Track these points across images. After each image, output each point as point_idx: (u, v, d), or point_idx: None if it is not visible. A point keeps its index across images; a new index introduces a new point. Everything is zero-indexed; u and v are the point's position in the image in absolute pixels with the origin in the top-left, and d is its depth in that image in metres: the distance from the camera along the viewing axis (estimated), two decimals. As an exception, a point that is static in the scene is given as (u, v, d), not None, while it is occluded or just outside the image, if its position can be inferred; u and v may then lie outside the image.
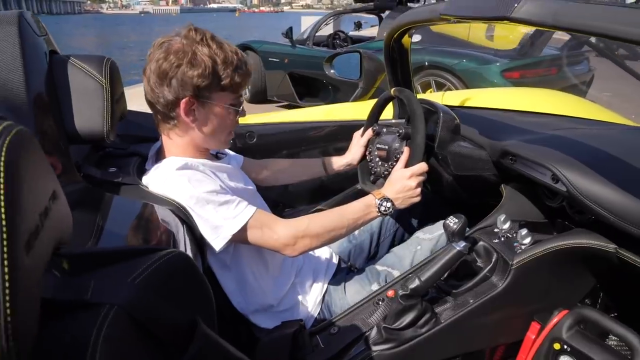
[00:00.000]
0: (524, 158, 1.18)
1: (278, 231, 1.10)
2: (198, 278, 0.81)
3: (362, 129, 1.54)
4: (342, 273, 1.39)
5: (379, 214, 1.20)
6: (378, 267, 1.35)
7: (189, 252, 1.01)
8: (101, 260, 0.62)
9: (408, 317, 1.06)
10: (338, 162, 1.56)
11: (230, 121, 1.15)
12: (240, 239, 1.08)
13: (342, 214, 1.17)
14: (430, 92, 4.21)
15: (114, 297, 0.54)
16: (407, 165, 1.26)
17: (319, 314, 1.29)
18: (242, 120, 1.75)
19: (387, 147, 1.38)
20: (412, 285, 1.03)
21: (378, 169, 1.43)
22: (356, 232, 1.55)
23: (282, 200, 1.86)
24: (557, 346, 1.11)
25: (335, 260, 1.42)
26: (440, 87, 4.18)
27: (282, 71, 5.46)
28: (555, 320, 1.13)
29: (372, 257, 1.52)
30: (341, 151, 1.84)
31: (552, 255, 1.11)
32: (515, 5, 0.82)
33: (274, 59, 5.55)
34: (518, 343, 1.22)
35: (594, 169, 1.03)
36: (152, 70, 1.06)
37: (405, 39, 1.48)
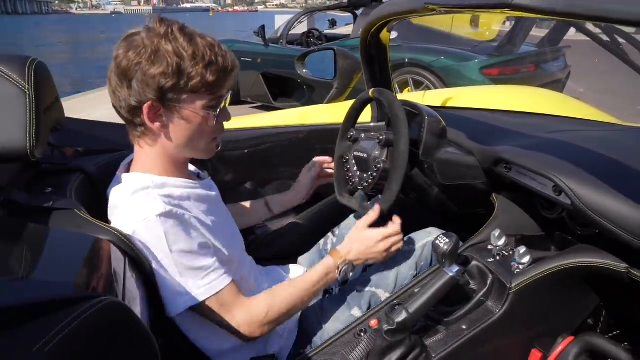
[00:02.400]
0: (521, 166, 1.05)
1: (236, 317, 0.98)
2: (137, 331, 0.65)
3: (311, 165, 1.43)
4: (318, 297, 1.24)
5: (339, 277, 1.10)
6: (359, 288, 1.20)
7: (135, 292, 0.85)
8: None
9: (395, 355, 0.92)
10: (281, 202, 1.44)
11: (210, 127, 0.97)
12: (194, 310, 0.96)
13: (303, 289, 1.06)
14: (408, 90, 4.11)
15: None
16: (384, 198, 1.14)
17: (295, 344, 1.14)
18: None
19: (366, 156, 1.23)
20: (399, 319, 0.89)
21: (356, 180, 1.28)
22: (328, 247, 1.41)
23: None
24: (562, 378, 0.99)
25: None
26: (418, 85, 4.07)
27: (255, 71, 5.28)
28: (559, 349, 1.02)
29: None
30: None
31: (554, 275, 0.98)
32: None
33: (247, 59, 5.36)
34: None
35: (601, 178, 0.91)
36: (112, 70, 0.91)
37: (384, 34, 1.34)
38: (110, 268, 0.81)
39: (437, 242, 0.96)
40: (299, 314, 1.18)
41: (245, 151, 1.61)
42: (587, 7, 0.61)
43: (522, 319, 1.03)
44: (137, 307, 0.83)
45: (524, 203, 1.19)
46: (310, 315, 1.18)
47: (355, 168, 1.29)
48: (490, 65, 3.80)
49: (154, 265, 0.91)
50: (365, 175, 1.23)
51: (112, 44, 0.96)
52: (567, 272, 0.98)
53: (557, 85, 4.21)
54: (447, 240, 0.94)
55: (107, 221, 0.98)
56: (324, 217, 1.59)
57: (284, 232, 1.59)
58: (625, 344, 1.08)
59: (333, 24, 6.68)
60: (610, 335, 1.14)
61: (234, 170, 1.64)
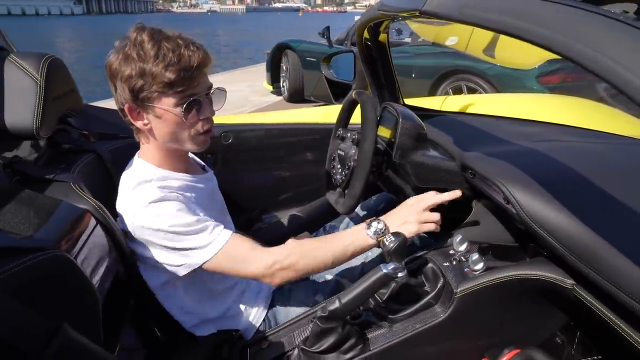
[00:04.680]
0: (479, 173, 1.05)
1: (255, 260, 1.02)
2: (77, 283, 0.77)
3: None
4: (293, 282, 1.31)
5: (371, 237, 1.06)
6: (327, 276, 1.26)
7: (99, 254, 0.98)
8: None
9: (328, 341, 0.96)
10: None
11: (188, 124, 1.02)
12: (210, 267, 1.02)
13: (328, 241, 1.07)
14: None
15: None
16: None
17: (263, 321, 1.23)
18: (217, 120, 1.71)
19: (343, 154, 1.28)
20: (331, 307, 0.94)
21: (337, 177, 1.33)
22: None
23: (259, 205, 1.80)
24: (503, 388, 0.98)
25: None
26: (472, 92, 3.94)
27: (319, 71, 5.39)
28: (504, 359, 1.00)
29: None
30: (323, 155, 1.76)
31: (504, 285, 0.98)
32: None
33: (311, 59, 5.50)
34: None
35: (552, 190, 0.89)
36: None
37: (382, 37, 1.38)
38: (81, 231, 0.95)
39: (384, 240, 0.99)
40: (270, 298, 1.25)
41: (255, 145, 1.72)
42: (475, 15, 0.63)
43: (469, 325, 1.03)
44: (100, 268, 0.96)
45: (499, 212, 1.17)
46: (279, 298, 1.26)
47: (338, 166, 1.34)
48: (549, 72, 3.56)
49: (149, 238, 1.00)
50: (342, 173, 1.28)
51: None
52: (518, 283, 0.97)
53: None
54: (393, 239, 0.97)
55: (113, 196, 1.10)
56: (322, 211, 1.66)
57: (286, 221, 1.68)
58: None
59: (399, 32, 6.66)
60: (589, 359, 1.09)
61: (249, 164, 1.75)
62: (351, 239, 1.07)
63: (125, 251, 1.05)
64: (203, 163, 1.30)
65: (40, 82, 1.07)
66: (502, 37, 3.72)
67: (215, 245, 1.01)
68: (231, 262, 1.02)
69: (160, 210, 1.00)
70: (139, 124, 1.03)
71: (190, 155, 1.27)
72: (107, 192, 1.15)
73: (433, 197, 1.11)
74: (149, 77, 0.96)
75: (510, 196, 0.92)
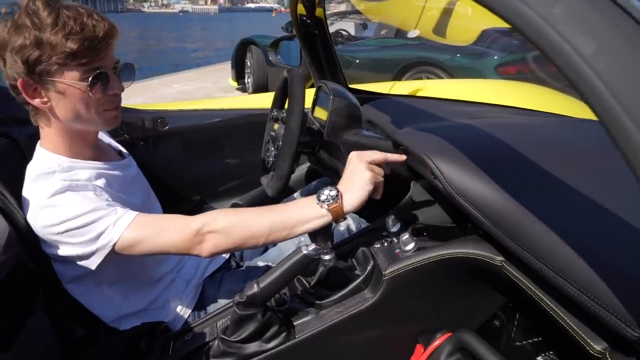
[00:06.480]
0: (409, 149, 1.00)
1: (180, 226, 0.91)
2: None
3: None
4: (226, 269, 1.24)
5: (319, 204, 0.91)
6: (259, 263, 1.19)
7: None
8: None
9: (247, 329, 0.89)
10: None
11: (95, 99, 0.93)
12: (126, 249, 0.91)
13: (267, 209, 0.94)
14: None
15: None
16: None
17: (192, 312, 1.15)
18: (154, 107, 1.63)
19: (274, 134, 1.22)
20: (249, 292, 0.87)
21: (270, 159, 1.27)
22: None
23: (200, 194, 1.71)
24: (435, 375, 0.93)
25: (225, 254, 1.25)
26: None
27: (282, 66, 5.32)
28: (436, 343, 0.95)
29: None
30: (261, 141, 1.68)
31: (434, 265, 0.92)
32: None
33: (272, 53, 5.42)
34: None
35: (484, 162, 0.85)
36: None
37: (319, 11, 1.33)
38: None
39: None
40: (200, 287, 1.18)
41: (192, 131, 1.64)
42: None
43: (400, 309, 0.97)
44: None
45: (437, 192, 1.13)
46: (209, 287, 1.19)
47: (272, 148, 1.28)
48: (507, 63, 3.57)
49: (54, 238, 0.91)
50: (273, 154, 1.22)
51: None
52: (449, 262, 0.92)
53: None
54: None
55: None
56: (264, 199, 1.59)
57: None
58: (550, 352, 0.99)
59: (364, 27, 6.70)
60: (530, 341, 1.05)
61: (188, 151, 1.66)
62: (295, 207, 0.93)
63: (30, 240, 0.96)
64: (121, 148, 1.20)
65: None
66: (454, 17, 3.76)
67: (126, 218, 0.90)
68: (152, 232, 0.91)
69: (62, 203, 0.90)
70: (36, 102, 0.92)
71: (106, 140, 1.17)
72: (20, 179, 1.05)
73: (374, 153, 0.97)
74: (47, 48, 0.86)
75: (435, 169, 0.87)
